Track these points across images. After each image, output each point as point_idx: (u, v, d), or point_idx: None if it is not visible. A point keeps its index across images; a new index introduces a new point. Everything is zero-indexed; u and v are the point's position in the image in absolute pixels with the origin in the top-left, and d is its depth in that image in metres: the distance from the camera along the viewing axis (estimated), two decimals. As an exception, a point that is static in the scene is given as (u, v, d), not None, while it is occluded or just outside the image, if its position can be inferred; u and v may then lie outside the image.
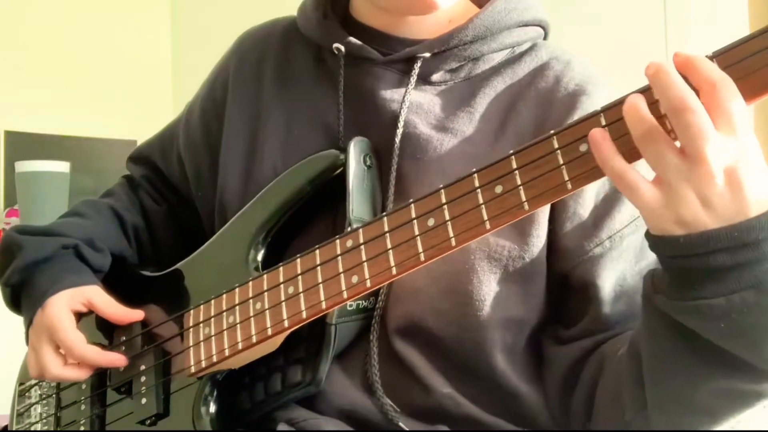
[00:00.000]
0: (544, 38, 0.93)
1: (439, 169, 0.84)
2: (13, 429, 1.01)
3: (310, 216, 0.88)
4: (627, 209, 0.82)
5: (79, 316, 0.92)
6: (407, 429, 0.82)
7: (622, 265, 0.82)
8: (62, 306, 0.90)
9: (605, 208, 0.82)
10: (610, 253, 0.82)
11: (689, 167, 0.57)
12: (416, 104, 0.87)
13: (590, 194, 0.82)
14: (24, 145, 2.72)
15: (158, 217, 1.08)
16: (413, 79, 0.87)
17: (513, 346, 0.84)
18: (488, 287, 0.81)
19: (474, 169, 0.68)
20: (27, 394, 1.02)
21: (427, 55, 0.87)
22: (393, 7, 0.89)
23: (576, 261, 0.82)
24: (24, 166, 2.47)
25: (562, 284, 0.84)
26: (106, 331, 0.94)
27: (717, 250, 0.59)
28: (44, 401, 0.98)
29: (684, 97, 0.57)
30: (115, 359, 0.90)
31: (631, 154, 0.61)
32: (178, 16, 3.27)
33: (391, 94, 0.88)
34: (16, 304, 0.96)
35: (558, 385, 0.84)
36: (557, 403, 0.85)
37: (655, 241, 0.62)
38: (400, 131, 0.86)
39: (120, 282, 0.99)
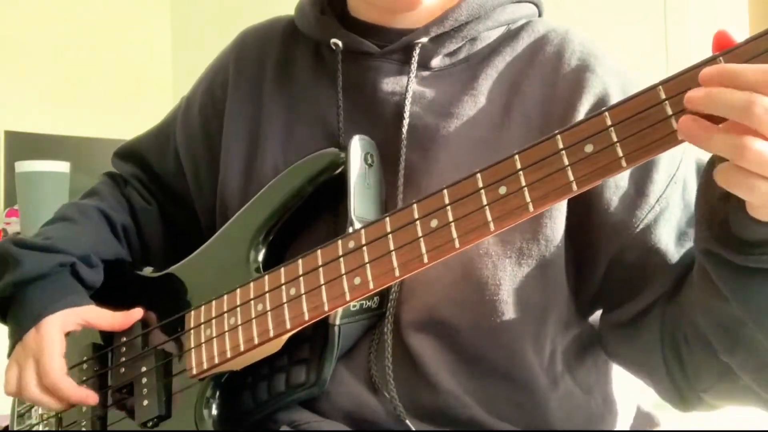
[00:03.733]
0: (539, 16, 0.93)
1: (447, 157, 0.84)
2: (14, 430, 1.01)
3: (311, 215, 0.88)
4: (663, 168, 0.81)
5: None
6: (413, 429, 0.81)
7: (675, 222, 0.81)
8: (56, 329, 0.89)
9: (644, 173, 0.81)
10: (663, 216, 0.81)
11: None
12: (419, 93, 0.87)
13: None
14: (24, 145, 2.72)
15: (147, 216, 1.07)
16: (413, 67, 0.87)
17: (537, 336, 0.83)
18: (503, 272, 0.81)
19: (477, 170, 0.68)
20: (27, 395, 1.01)
21: (425, 40, 0.87)
22: (378, 2, 0.89)
23: (631, 232, 0.81)
24: (24, 166, 2.47)
25: (613, 265, 0.83)
26: (108, 333, 0.94)
27: None
28: (45, 402, 0.98)
29: (746, 97, 0.55)
30: (85, 396, 0.89)
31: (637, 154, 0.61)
32: (178, 16, 3.27)
33: (392, 86, 0.88)
34: (3, 315, 0.95)
35: (661, 361, 0.82)
36: (667, 380, 0.83)
37: (764, 226, 0.62)
38: (406, 123, 0.85)
39: (119, 284, 0.99)
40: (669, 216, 0.81)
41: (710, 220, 0.68)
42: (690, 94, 0.57)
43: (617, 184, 0.81)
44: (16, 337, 0.92)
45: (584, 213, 0.82)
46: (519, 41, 0.89)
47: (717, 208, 0.67)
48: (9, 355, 0.93)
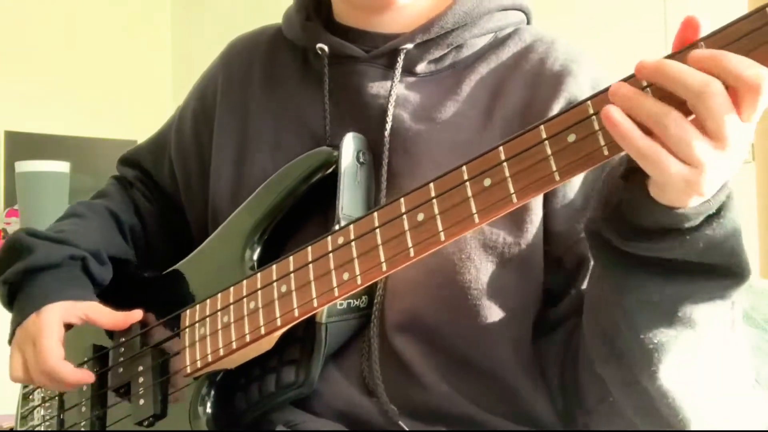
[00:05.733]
0: (528, 23, 0.93)
1: (430, 161, 0.84)
2: (18, 430, 1.01)
3: (306, 214, 0.88)
4: None
5: (71, 325, 0.92)
6: (407, 429, 0.81)
7: None
8: (56, 317, 0.90)
9: (594, 187, 0.81)
10: None
11: (717, 146, 0.57)
12: (403, 98, 0.87)
13: (578, 176, 0.81)
14: (24, 145, 2.72)
15: (152, 217, 1.08)
16: (398, 72, 0.87)
17: (518, 339, 0.84)
18: (485, 276, 0.81)
19: (462, 162, 0.68)
20: (30, 396, 1.02)
21: (410, 46, 0.88)
22: (355, 2, 0.90)
23: (569, 243, 0.82)
24: (24, 166, 2.47)
25: (556, 270, 0.84)
26: (108, 334, 0.94)
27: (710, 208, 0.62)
28: (47, 403, 0.98)
29: (707, 82, 0.56)
30: (82, 377, 0.89)
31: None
32: (178, 16, 3.27)
33: (377, 90, 0.88)
34: (9, 301, 0.96)
35: (557, 378, 0.85)
36: (560, 395, 0.85)
37: (661, 209, 0.62)
38: (388, 127, 0.86)
39: (120, 283, 0.99)
40: None
41: (605, 202, 0.67)
42: (641, 62, 0.58)
43: (566, 195, 0.82)
44: (17, 322, 0.92)
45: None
46: (505, 49, 0.89)
47: (616, 188, 0.66)
48: (10, 341, 0.94)
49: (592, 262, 0.81)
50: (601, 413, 0.81)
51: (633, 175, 0.64)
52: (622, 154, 0.62)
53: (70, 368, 0.89)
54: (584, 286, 0.83)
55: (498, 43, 0.90)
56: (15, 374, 0.92)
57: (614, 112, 0.58)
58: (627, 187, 0.64)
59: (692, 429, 0.74)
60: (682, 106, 0.57)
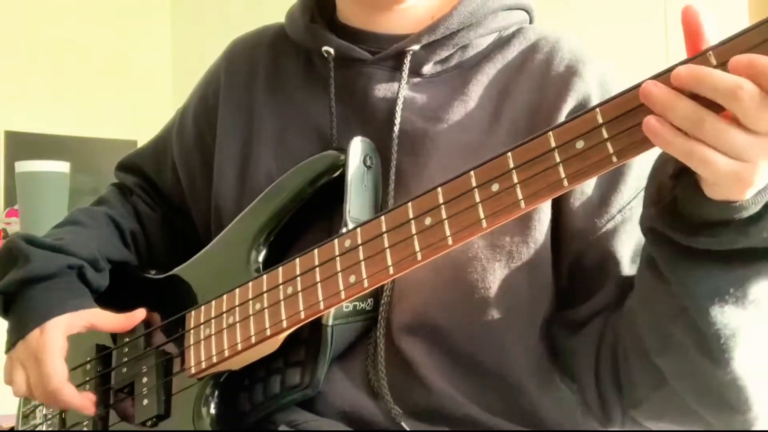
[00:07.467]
0: (530, 23, 0.94)
1: (437, 162, 0.84)
2: (19, 430, 1.01)
3: (312, 217, 0.88)
4: (632, 181, 0.82)
5: None
6: (409, 430, 0.82)
7: (638, 236, 0.81)
8: (60, 332, 0.88)
9: (611, 183, 0.82)
10: (624, 226, 0.82)
11: (760, 141, 0.56)
12: (410, 99, 0.87)
13: None
14: (24, 145, 2.72)
15: (153, 223, 1.08)
16: (405, 74, 0.88)
17: (527, 339, 0.84)
18: (493, 275, 0.81)
19: (471, 167, 0.68)
20: (32, 395, 1.02)
21: (417, 47, 0.88)
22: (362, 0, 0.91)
23: (590, 239, 0.82)
24: (24, 166, 2.46)
25: (573, 268, 0.84)
26: (111, 334, 0.94)
27: None
28: (49, 402, 0.98)
29: (736, 82, 0.55)
30: (86, 405, 0.88)
31: (634, 146, 0.60)
32: (178, 16, 3.27)
33: (384, 92, 0.88)
34: (5, 310, 0.95)
35: (592, 372, 0.84)
36: (595, 391, 0.84)
37: (716, 205, 0.61)
38: (396, 128, 0.86)
39: (124, 285, 0.99)
40: (631, 228, 0.82)
41: (658, 199, 0.67)
42: (677, 70, 0.57)
43: (582, 191, 0.82)
44: (18, 335, 0.91)
45: (554, 215, 0.83)
46: (510, 48, 0.90)
47: (667, 186, 0.66)
48: (7, 351, 0.93)
49: (619, 260, 0.81)
50: (655, 402, 0.79)
51: (683, 174, 0.63)
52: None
53: (73, 392, 0.88)
54: (607, 285, 0.83)
55: (503, 43, 0.90)
56: (19, 391, 0.91)
57: (652, 122, 0.58)
58: (679, 186, 0.64)
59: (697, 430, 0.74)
60: (712, 103, 0.57)
